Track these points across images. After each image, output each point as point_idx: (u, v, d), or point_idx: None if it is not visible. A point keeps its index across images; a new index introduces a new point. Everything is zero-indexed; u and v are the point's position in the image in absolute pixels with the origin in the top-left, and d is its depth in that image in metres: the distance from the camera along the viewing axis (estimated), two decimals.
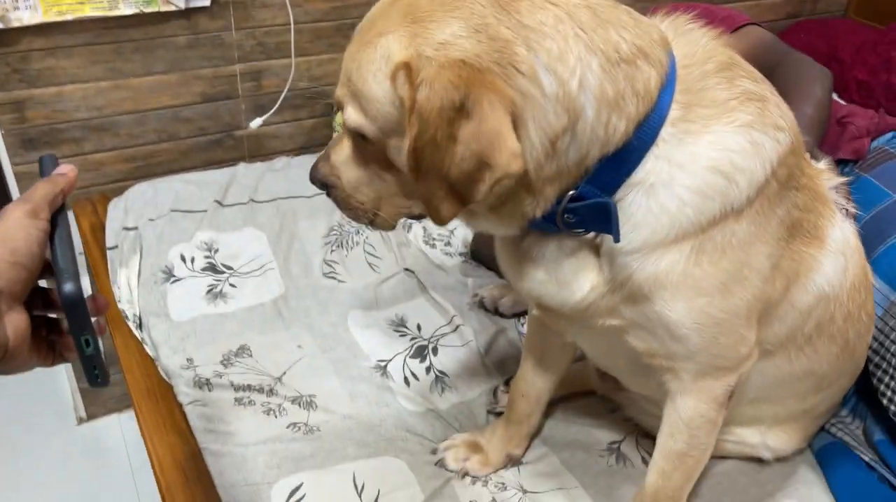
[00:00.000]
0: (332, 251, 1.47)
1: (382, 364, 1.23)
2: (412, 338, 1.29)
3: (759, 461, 1.10)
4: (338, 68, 1.82)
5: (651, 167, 0.71)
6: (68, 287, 0.54)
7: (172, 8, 1.53)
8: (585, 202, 0.71)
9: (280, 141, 1.85)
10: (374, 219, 0.80)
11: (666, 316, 0.76)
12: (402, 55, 0.65)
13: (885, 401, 1.07)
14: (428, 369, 1.23)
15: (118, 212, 1.54)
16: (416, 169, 0.67)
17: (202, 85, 1.68)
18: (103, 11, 1.48)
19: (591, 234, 0.76)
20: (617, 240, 0.71)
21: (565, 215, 0.72)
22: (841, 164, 1.37)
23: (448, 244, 1.55)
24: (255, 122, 1.70)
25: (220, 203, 1.56)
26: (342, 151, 0.78)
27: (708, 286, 0.74)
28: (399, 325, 1.31)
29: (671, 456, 0.90)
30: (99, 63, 1.55)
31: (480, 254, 1.50)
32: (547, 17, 0.65)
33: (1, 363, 0.54)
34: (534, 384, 1.07)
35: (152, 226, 1.48)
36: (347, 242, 1.51)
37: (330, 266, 1.44)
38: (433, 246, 1.53)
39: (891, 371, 1.05)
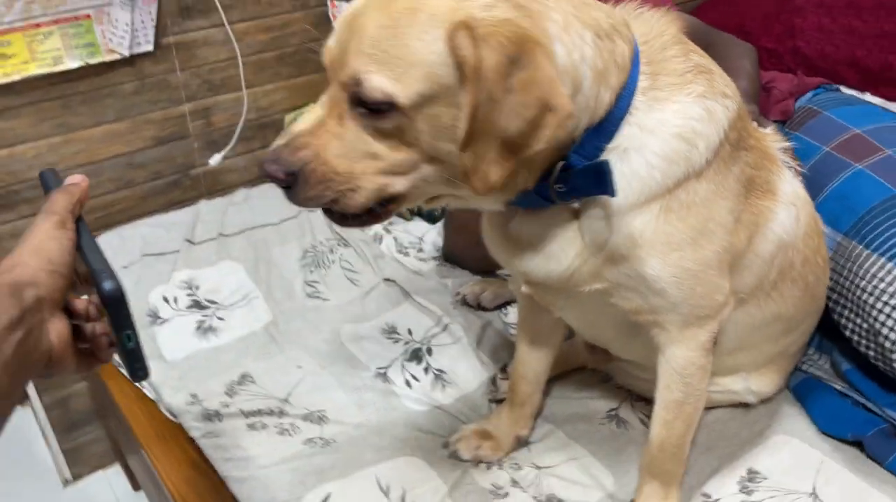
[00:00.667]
0: (310, 272, 1.51)
1: (382, 371, 1.28)
2: (406, 343, 1.34)
3: (745, 406, 1.19)
4: (283, 97, 1.85)
5: (626, 133, 0.78)
6: (110, 284, 0.56)
7: (117, 56, 1.54)
8: (581, 167, 0.77)
9: (236, 174, 1.87)
10: (345, 194, 0.75)
11: (645, 272, 0.83)
12: (458, 15, 0.67)
13: (847, 333, 1.17)
14: (426, 369, 1.29)
15: None
16: (471, 131, 0.68)
17: (153, 129, 1.69)
18: (49, 68, 1.48)
19: (574, 205, 0.82)
20: (614, 195, 0.77)
21: (556, 185, 0.78)
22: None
23: (420, 250, 1.60)
24: (215, 159, 1.72)
25: (190, 241, 1.58)
26: (322, 126, 0.74)
27: (679, 241, 0.82)
28: (391, 333, 1.36)
29: (671, 405, 0.97)
30: (48, 120, 1.55)
31: (453, 256, 1.56)
32: None
33: (46, 369, 0.56)
34: (531, 365, 1.14)
35: (127, 273, 1.48)
36: (324, 261, 1.54)
37: (312, 286, 1.47)
38: (406, 254, 1.58)
39: (849, 306, 1.16)
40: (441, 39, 0.68)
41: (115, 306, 0.57)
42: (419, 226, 1.68)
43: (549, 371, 1.17)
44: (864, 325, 1.13)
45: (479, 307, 1.43)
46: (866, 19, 2.24)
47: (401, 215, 1.71)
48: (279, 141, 0.75)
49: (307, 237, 1.62)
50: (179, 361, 1.29)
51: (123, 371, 1.32)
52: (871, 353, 1.14)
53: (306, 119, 0.75)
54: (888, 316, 1.09)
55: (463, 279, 1.50)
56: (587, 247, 0.84)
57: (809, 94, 1.48)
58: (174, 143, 1.73)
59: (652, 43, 0.80)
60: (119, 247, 1.56)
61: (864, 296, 1.12)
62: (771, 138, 0.96)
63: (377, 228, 1.65)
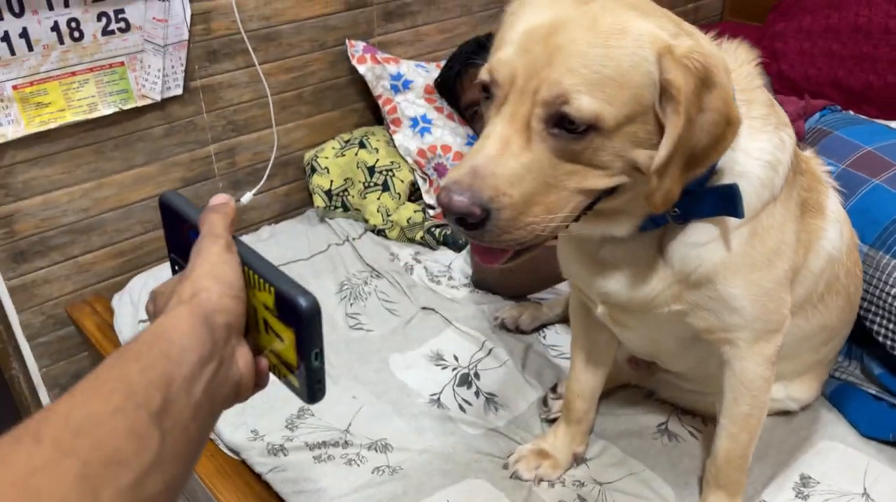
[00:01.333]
0: (350, 304, 1.54)
1: (435, 397, 1.31)
2: (454, 369, 1.37)
3: (786, 413, 1.24)
4: (303, 134, 1.90)
5: (732, 157, 0.83)
6: (306, 300, 0.52)
7: (148, 101, 1.57)
8: (709, 189, 0.82)
9: (258, 211, 1.90)
10: (543, 232, 0.73)
11: (729, 293, 0.88)
12: (662, 41, 0.69)
13: (880, 339, 1.24)
14: (477, 393, 1.32)
15: (126, 307, 1.55)
16: (672, 153, 0.70)
17: (181, 170, 1.71)
18: (84, 115, 1.50)
19: (657, 234, 0.87)
20: (742, 216, 0.81)
21: (672, 208, 0.81)
22: None
23: (451, 278, 1.64)
24: (246, 197, 1.75)
25: None
26: (511, 160, 0.70)
27: (759, 262, 0.88)
28: (438, 359, 1.40)
29: (738, 419, 1.01)
30: (82, 165, 1.57)
31: (484, 283, 1.60)
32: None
33: (232, 402, 0.53)
34: (587, 382, 1.18)
35: None
36: (360, 293, 1.58)
37: (354, 318, 1.50)
38: (438, 282, 1.62)
39: (880, 312, 1.23)
40: (651, 62, 0.70)
41: (311, 322, 0.52)
42: (446, 254, 1.73)
43: (602, 387, 1.21)
44: None
45: (518, 330, 1.47)
46: (845, 42, 2.37)
47: (427, 244, 1.76)
48: (460, 170, 0.70)
49: (340, 270, 1.65)
50: None
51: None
52: None
53: (488, 142, 0.72)
54: None
55: (497, 304, 1.54)
56: (674, 274, 0.88)
57: (817, 116, 1.57)
58: (201, 184, 1.76)
59: (739, 72, 0.86)
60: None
61: (895, 302, 1.19)
62: (815, 161, 1.03)
63: (408, 259, 1.69)
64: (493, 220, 0.70)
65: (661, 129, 0.73)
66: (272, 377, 0.58)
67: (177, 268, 0.64)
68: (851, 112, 2.27)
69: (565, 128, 0.70)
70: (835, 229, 1.01)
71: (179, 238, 0.61)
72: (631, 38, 0.70)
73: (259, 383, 0.57)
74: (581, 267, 0.96)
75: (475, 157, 0.71)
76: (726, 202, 0.81)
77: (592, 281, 0.94)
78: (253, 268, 0.54)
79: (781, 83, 2.46)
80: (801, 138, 1.51)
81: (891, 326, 1.21)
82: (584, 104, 0.68)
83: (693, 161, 0.74)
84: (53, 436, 0.38)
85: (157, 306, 0.54)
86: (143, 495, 0.40)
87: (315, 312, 0.52)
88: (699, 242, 0.86)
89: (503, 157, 0.70)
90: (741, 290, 0.89)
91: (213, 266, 0.52)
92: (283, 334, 0.54)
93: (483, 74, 0.75)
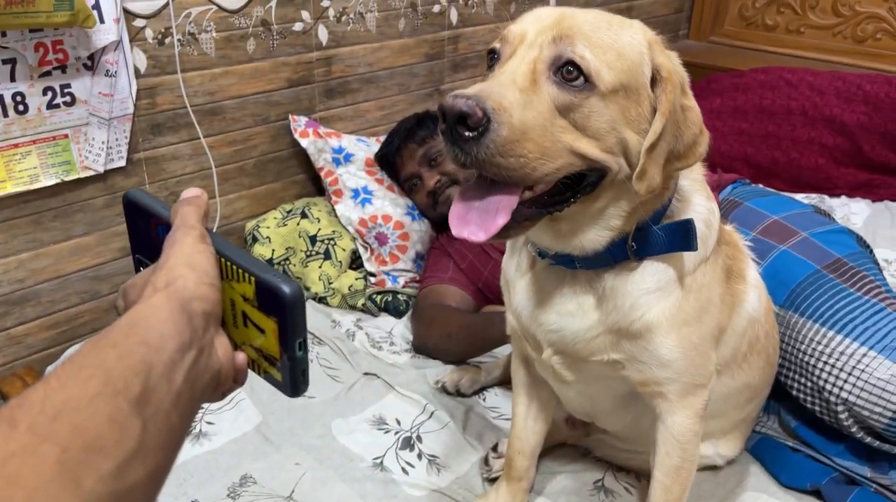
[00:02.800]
0: None
1: (378, 461, 1.33)
2: (396, 433, 1.39)
3: (714, 467, 1.31)
4: (245, 205, 1.93)
5: (677, 206, 0.93)
6: (289, 287, 0.51)
7: (91, 173, 1.59)
8: (670, 223, 0.89)
9: None
10: (532, 172, 0.75)
11: (664, 344, 0.95)
12: (653, 34, 0.83)
13: (794, 393, 1.33)
14: (419, 456, 1.34)
15: None
16: (662, 132, 0.78)
17: (121, 241, 1.72)
18: (24, 186, 1.51)
19: (609, 277, 0.93)
20: (696, 249, 0.89)
21: (632, 242, 0.89)
22: None
23: (392, 344, 1.68)
24: None
25: None
26: (516, 91, 0.74)
27: (691, 318, 0.95)
28: (380, 424, 1.42)
29: (670, 471, 1.06)
30: (19, 236, 1.56)
31: (425, 348, 1.64)
32: None
33: (212, 394, 0.51)
34: (527, 440, 1.22)
35: None
36: None
37: None
38: (380, 348, 1.66)
39: (794, 368, 1.32)
40: (645, 45, 0.81)
41: (295, 310, 0.51)
42: (388, 320, 1.77)
43: (543, 444, 1.25)
44: (809, 384, 1.30)
45: (459, 394, 1.51)
46: (752, 122, 2.58)
47: (368, 311, 1.79)
48: (467, 89, 0.72)
49: None
50: (176, 468, 1.28)
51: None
52: (817, 409, 1.30)
53: (496, 77, 0.77)
54: (829, 373, 1.26)
55: (438, 369, 1.58)
56: (617, 319, 0.94)
57: (729, 188, 1.70)
58: None
59: None
60: None
61: (807, 359, 1.29)
62: (736, 235, 1.14)
63: (350, 325, 1.72)
64: (491, 134, 0.71)
65: (652, 118, 0.81)
66: (252, 374, 0.57)
67: (141, 267, 0.61)
68: (760, 185, 2.47)
69: (565, 79, 0.76)
70: (755, 294, 1.11)
71: (146, 236, 0.60)
72: (627, 26, 0.82)
73: (238, 379, 0.55)
74: (530, 301, 1.00)
75: (481, 85, 0.75)
76: (682, 236, 0.88)
77: (538, 315, 0.99)
78: (230, 259, 0.53)
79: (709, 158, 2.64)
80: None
81: (803, 380, 1.31)
82: (587, 54, 0.76)
83: (674, 156, 0.83)
84: (30, 422, 0.37)
85: (128, 299, 0.52)
86: (125, 483, 0.38)
87: (299, 300, 0.51)
88: (648, 288, 0.92)
89: (509, 88, 0.74)
90: (674, 342, 0.95)
91: (188, 256, 0.51)
92: (265, 325, 0.52)
93: (494, 43, 0.84)
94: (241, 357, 0.54)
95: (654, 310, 0.93)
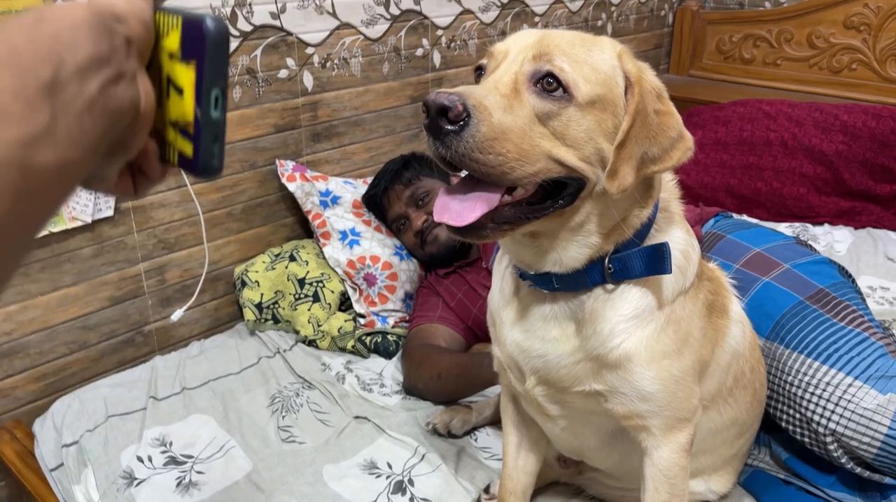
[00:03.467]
0: (282, 417, 1.55)
1: None
2: (388, 477, 1.39)
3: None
4: (233, 250, 1.94)
5: (654, 237, 0.95)
6: (213, 20, 0.47)
7: (79, 223, 1.60)
8: (643, 248, 0.91)
9: (187, 327, 1.90)
10: (510, 171, 0.78)
11: (642, 375, 0.95)
12: (622, 47, 0.87)
13: (783, 425, 1.34)
14: (411, 500, 1.34)
15: (48, 432, 1.51)
16: (629, 130, 0.82)
17: (109, 289, 1.72)
18: None
19: (588, 301, 0.95)
20: (670, 272, 0.91)
21: (609, 265, 0.91)
22: None
23: (382, 386, 1.68)
24: (177, 314, 1.76)
25: (155, 398, 1.59)
26: (498, 96, 0.79)
27: (671, 350, 0.96)
28: (372, 468, 1.41)
29: None
30: (7, 288, 1.55)
31: (415, 390, 1.64)
32: None
33: (129, 132, 0.46)
34: (519, 480, 1.22)
35: (94, 436, 1.47)
36: (292, 405, 1.59)
37: (286, 431, 1.51)
38: (370, 390, 1.65)
39: (782, 400, 1.33)
40: (615, 59, 0.85)
41: (216, 47, 0.47)
42: (378, 362, 1.77)
43: (534, 484, 1.25)
44: (797, 415, 1.30)
45: (450, 435, 1.51)
46: (733, 153, 2.62)
47: (358, 352, 1.79)
48: (450, 89, 0.77)
49: (271, 383, 1.66)
50: None
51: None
52: (807, 440, 1.30)
53: (479, 85, 0.82)
54: (816, 404, 1.26)
55: (428, 410, 1.58)
56: (596, 345, 0.95)
57: (712, 221, 1.73)
58: (129, 302, 1.76)
59: (666, 182, 1.00)
60: (80, 410, 1.55)
61: (794, 390, 1.30)
62: (720, 271, 1.16)
63: (339, 368, 1.72)
64: (471, 128, 0.75)
65: None
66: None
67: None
68: (745, 216, 2.50)
69: (545, 89, 0.81)
70: (738, 328, 1.12)
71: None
72: (599, 43, 0.87)
73: (148, 173, 0.52)
74: (514, 328, 1.01)
75: (465, 87, 0.79)
76: (657, 258, 0.90)
77: (522, 342, 1.00)
78: (163, 9, 0.49)
79: (679, 189, 2.68)
80: (700, 242, 1.66)
81: (791, 411, 1.32)
82: (565, 67, 0.81)
83: (649, 159, 0.85)
84: None
85: None
86: (32, 160, 0.36)
87: (222, 34, 0.47)
88: (626, 315, 0.94)
89: (491, 91, 0.79)
90: (654, 374, 0.96)
91: None
92: (184, 79, 0.48)
93: (481, 60, 0.89)
94: (151, 146, 0.50)
95: (631, 339, 0.94)
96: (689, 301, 0.99)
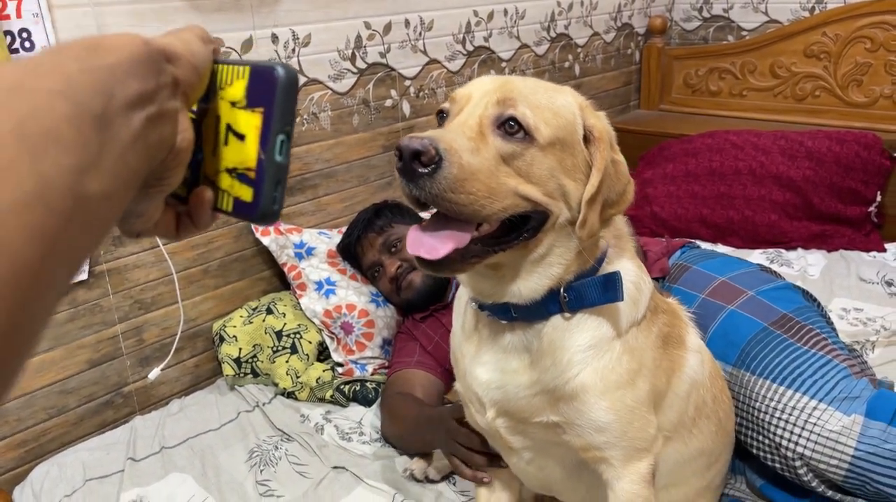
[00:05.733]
0: (260, 471, 1.55)
1: None
2: None
3: None
4: (210, 306, 1.95)
5: (606, 269, 0.98)
6: (284, 67, 0.48)
7: None
8: (595, 277, 0.95)
9: (167, 386, 1.91)
10: (481, 209, 0.82)
11: (596, 406, 0.97)
12: (582, 99, 0.93)
13: (754, 451, 1.35)
14: None
15: (28, 499, 1.51)
16: (599, 186, 0.88)
17: (87, 353, 1.73)
18: None
19: (546, 332, 0.97)
20: (622, 299, 0.95)
21: (564, 293, 0.94)
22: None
23: (362, 434, 1.68)
24: (154, 373, 1.77)
25: (133, 459, 1.59)
26: (465, 139, 0.82)
27: (624, 380, 0.98)
28: None
29: None
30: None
31: (391, 438, 1.64)
32: None
33: (162, 170, 0.45)
34: None
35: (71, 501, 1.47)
36: (271, 459, 1.59)
37: (264, 485, 1.51)
38: (349, 439, 1.66)
39: (751, 426, 1.34)
40: (576, 108, 0.91)
41: (285, 91, 0.48)
42: (356, 410, 1.77)
43: None
44: (766, 441, 1.31)
45: (428, 480, 1.51)
46: (704, 184, 2.67)
47: (337, 402, 1.80)
48: (421, 133, 0.80)
49: (250, 437, 1.67)
50: None
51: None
52: (778, 466, 1.31)
53: (446, 128, 0.86)
54: (784, 428, 1.27)
55: (407, 456, 1.58)
56: (551, 377, 0.97)
57: (678, 253, 1.75)
58: (107, 364, 1.78)
59: (617, 220, 1.04)
60: (59, 476, 1.55)
61: (761, 416, 1.31)
62: (676, 303, 1.18)
63: (318, 419, 1.72)
64: (443, 171, 0.78)
65: (586, 169, 0.91)
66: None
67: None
68: (719, 245, 2.53)
69: (508, 132, 0.85)
70: (695, 358, 1.14)
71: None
72: (560, 91, 0.93)
73: (197, 220, 0.52)
74: (474, 361, 1.03)
75: (434, 131, 0.83)
76: (609, 287, 0.95)
77: (481, 374, 1.01)
78: (226, 62, 0.50)
79: (655, 222, 2.72)
80: (666, 273, 1.69)
81: (760, 438, 1.32)
82: (527, 113, 0.86)
83: (608, 204, 0.92)
84: None
85: None
86: (83, 188, 0.35)
87: (292, 81, 0.48)
88: (581, 345, 0.96)
89: (459, 135, 0.83)
90: (608, 404, 0.98)
91: (186, 36, 0.48)
92: (248, 125, 0.49)
93: (443, 104, 0.94)
94: (207, 194, 0.51)
95: (587, 370, 0.96)
96: (642, 332, 1.02)
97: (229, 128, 0.50)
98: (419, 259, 0.84)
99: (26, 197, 0.31)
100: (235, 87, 0.50)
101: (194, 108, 0.51)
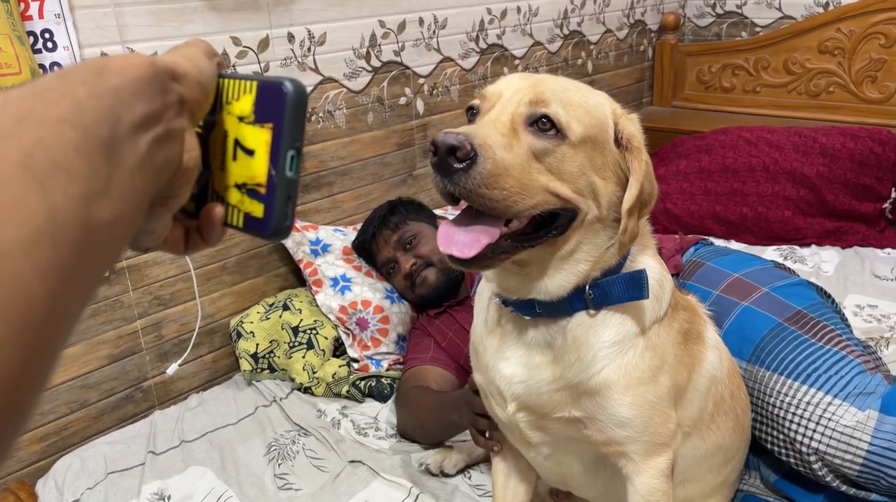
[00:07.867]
0: (278, 465, 1.57)
1: None
2: None
3: None
4: (228, 302, 1.97)
5: (629, 266, 1.00)
6: (292, 82, 0.47)
7: None
8: (621, 275, 0.96)
9: (185, 381, 1.94)
10: (513, 205, 0.83)
11: (619, 402, 0.98)
12: (614, 104, 0.94)
13: (769, 446, 1.35)
14: None
15: (51, 492, 1.54)
16: (639, 196, 0.89)
17: (107, 348, 1.76)
18: None
19: (571, 328, 0.98)
20: (647, 297, 0.96)
21: (589, 291, 0.96)
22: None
23: (378, 429, 1.70)
24: (172, 368, 1.79)
25: (153, 452, 1.62)
26: (498, 135, 0.83)
27: (646, 377, 0.99)
28: None
29: None
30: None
31: (407, 432, 1.66)
32: None
33: (168, 189, 0.45)
34: None
35: (94, 494, 1.50)
36: (288, 453, 1.61)
37: (282, 479, 1.53)
38: (365, 434, 1.68)
39: (765, 421, 1.35)
40: (609, 112, 0.92)
41: (294, 107, 0.48)
42: (372, 406, 1.79)
43: None
44: (781, 436, 1.32)
45: (444, 474, 1.53)
46: (717, 181, 2.67)
47: (353, 397, 1.82)
48: (456, 129, 0.81)
49: (268, 432, 1.69)
50: None
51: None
52: (792, 461, 1.32)
53: (478, 123, 0.87)
54: (798, 424, 1.28)
55: (423, 451, 1.60)
56: (575, 373, 0.98)
57: (692, 250, 1.76)
58: (127, 359, 1.80)
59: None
60: (81, 468, 1.57)
61: (776, 411, 1.32)
62: (695, 300, 1.19)
63: (335, 414, 1.75)
64: (478, 166, 0.79)
65: (615, 168, 0.92)
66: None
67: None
68: (733, 241, 2.53)
69: (540, 129, 0.86)
70: (714, 354, 1.15)
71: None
72: (593, 92, 0.94)
73: (208, 236, 0.51)
74: (497, 355, 1.04)
75: (468, 126, 0.84)
76: (634, 285, 0.95)
77: (505, 369, 1.02)
78: (234, 76, 0.50)
79: (668, 219, 2.72)
80: (680, 270, 1.70)
81: (775, 433, 1.33)
82: (559, 111, 0.86)
83: (643, 206, 0.93)
84: None
85: None
86: (92, 217, 0.35)
87: (301, 97, 0.48)
88: (606, 342, 0.97)
89: (492, 131, 0.83)
90: (630, 400, 0.99)
91: (191, 53, 0.47)
92: (257, 141, 0.49)
93: (473, 100, 0.94)
94: (217, 210, 0.50)
95: (611, 367, 0.97)
96: (664, 328, 1.03)
97: (237, 143, 0.50)
98: (450, 255, 0.85)
99: (36, 232, 0.31)
100: (243, 102, 0.49)
101: (200, 122, 0.50)
